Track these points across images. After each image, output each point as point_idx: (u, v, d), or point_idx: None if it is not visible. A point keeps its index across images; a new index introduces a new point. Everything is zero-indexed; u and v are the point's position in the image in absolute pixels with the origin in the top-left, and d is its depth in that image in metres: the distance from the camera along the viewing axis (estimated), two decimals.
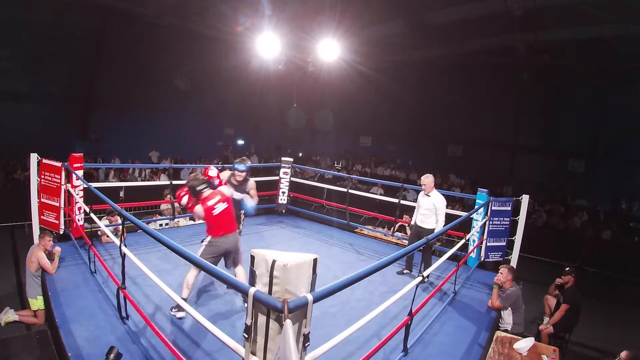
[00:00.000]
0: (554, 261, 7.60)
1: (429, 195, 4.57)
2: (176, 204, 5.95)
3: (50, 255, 4.09)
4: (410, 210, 6.88)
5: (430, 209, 4.53)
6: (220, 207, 3.44)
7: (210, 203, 3.41)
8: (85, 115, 11.88)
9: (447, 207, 4.68)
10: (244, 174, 3.98)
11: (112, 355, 2.36)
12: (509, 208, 5.19)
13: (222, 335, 2.01)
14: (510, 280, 4.04)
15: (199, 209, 3.42)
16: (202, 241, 3.46)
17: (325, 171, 12.06)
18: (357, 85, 13.73)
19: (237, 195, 3.89)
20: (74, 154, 4.76)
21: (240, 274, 3.52)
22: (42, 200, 4.74)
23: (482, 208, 5.03)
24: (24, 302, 4.23)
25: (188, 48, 13.02)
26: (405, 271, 4.94)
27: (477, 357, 3.23)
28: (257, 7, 9.37)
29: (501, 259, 5.21)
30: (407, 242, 6.42)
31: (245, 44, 10.15)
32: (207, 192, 3.46)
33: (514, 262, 5.05)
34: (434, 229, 4.46)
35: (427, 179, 4.59)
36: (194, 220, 6.59)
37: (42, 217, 4.76)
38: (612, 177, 11.34)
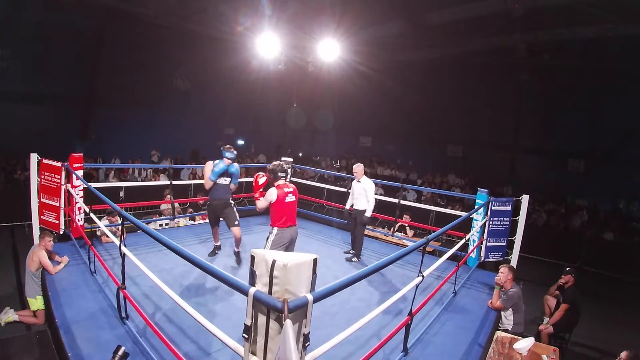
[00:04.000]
0: (554, 261, 7.60)
1: (359, 182, 5.16)
2: (176, 204, 5.98)
3: (51, 255, 4.10)
4: (410, 210, 6.91)
5: (361, 193, 5.14)
6: (291, 198, 3.77)
7: (286, 190, 3.75)
8: (85, 115, 11.88)
9: (447, 207, 4.73)
10: (231, 161, 4.55)
11: (119, 353, 2.34)
12: (509, 208, 5.19)
13: (222, 335, 2.01)
14: (510, 280, 4.04)
15: (272, 192, 3.68)
16: (267, 238, 3.78)
17: (325, 171, 12.07)
18: (357, 85, 13.72)
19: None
20: (74, 154, 4.76)
21: None
22: (42, 200, 4.74)
23: (482, 208, 5.03)
24: (24, 302, 4.23)
25: (188, 48, 13.01)
26: (352, 251, 5.42)
27: (477, 357, 3.22)
28: (257, 7, 9.37)
29: (501, 259, 5.21)
30: (408, 242, 6.46)
31: (245, 44, 10.15)
32: (282, 180, 3.79)
33: (514, 262, 5.05)
34: (365, 210, 5.07)
35: (358, 168, 5.22)
36: (194, 221, 6.61)
37: (42, 217, 4.76)
38: (612, 177, 11.33)
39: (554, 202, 11.11)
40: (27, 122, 10.11)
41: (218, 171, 4.41)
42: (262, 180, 3.86)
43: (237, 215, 4.64)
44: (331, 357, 2.89)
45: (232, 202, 4.66)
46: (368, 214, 5.07)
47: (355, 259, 5.31)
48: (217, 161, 4.49)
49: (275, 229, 3.73)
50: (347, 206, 5.46)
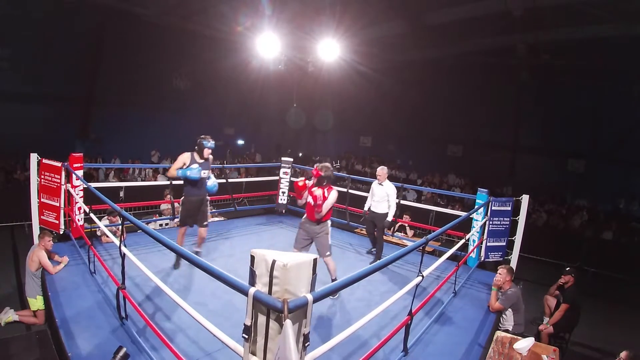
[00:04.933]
0: (554, 261, 7.60)
1: (382, 185, 5.13)
2: (176, 204, 5.97)
3: (51, 255, 4.10)
4: (410, 210, 6.91)
5: (383, 196, 5.11)
6: None
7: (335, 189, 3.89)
8: (85, 115, 11.87)
9: (447, 207, 4.73)
10: (211, 151, 4.36)
11: (120, 354, 2.35)
12: (509, 208, 5.19)
13: (222, 335, 2.01)
14: (509, 281, 4.03)
15: (335, 194, 3.83)
16: (325, 232, 3.93)
17: None
18: (357, 85, 13.72)
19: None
20: (74, 154, 4.76)
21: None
22: (42, 200, 4.74)
23: (482, 208, 5.03)
24: (24, 302, 4.22)
25: (188, 48, 13.01)
26: (373, 250, 5.51)
27: (477, 357, 3.22)
28: (257, 7, 9.38)
29: (501, 259, 5.21)
30: (408, 242, 6.45)
31: (245, 44, 10.16)
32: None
33: (514, 262, 5.05)
34: (385, 213, 5.09)
35: (382, 171, 5.16)
36: None
37: (42, 217, 4.76)
38: (612, 177, 11.33)
39: (554, 202, 11.11)
40: (27, 122, 10.10)
41: (189, 176, 4.12)
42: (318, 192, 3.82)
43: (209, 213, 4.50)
44: (331, 357, 2.89)
45: (208, 197, 4.47)
46: (389, 218, 5.09)
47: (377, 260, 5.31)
48: (193, 165, 4.18)
49: (329, 221, 3.98)
50: (366, 208, 5.44)
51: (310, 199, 3.82)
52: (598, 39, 9.21)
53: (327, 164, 3.95)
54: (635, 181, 10.86)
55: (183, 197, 4.37)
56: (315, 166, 3.89)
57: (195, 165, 4.18)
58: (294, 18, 9.73)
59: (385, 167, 5.29)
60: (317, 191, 3.76)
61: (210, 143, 4.34)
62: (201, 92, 14.32)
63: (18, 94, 10.30)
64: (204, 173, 4.30)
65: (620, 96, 10.97)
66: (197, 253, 4.38)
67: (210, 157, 4.45)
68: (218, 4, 10.27)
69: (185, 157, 4.25)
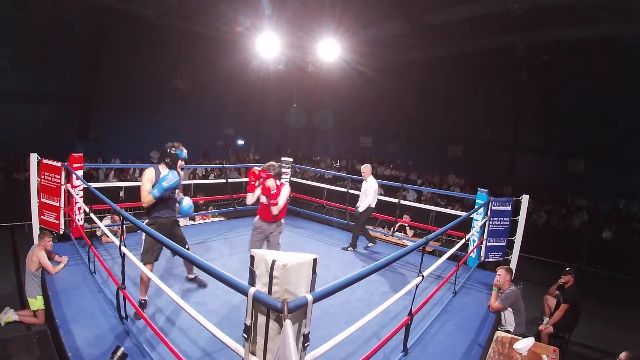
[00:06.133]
0: (554, 261, 7.59)
1: (366, 181, 5.43)
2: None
3: (50, 255, 4.10)
4: (410, 210, 6.91)
5: (363, 191, 5.46)
6: None
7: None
8: (85, 115, 11.89)
9: (447, 207, 4.73)
10: (184, 162, 3.52)
11: (117, 354, 2.36)
12: (509, 208, 5.19)
13: (222, 335, 2.01)
14: (508, 281, 4.03)
15: (288, 188, 3.89)
16: (279, 232, 3.93)
17: (325, 171, 12.07)
18: (357, 85, 13.73)
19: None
20: (74, 154, 4.76)
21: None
22: (42, 200, 4.74)
23: (482, 208, 5.03)
24: (24, 302, 4.22)
25: (188, 48, 13.02)
26: (349, 249, 5.65)
27: (477, 357, 3.22)
28: (257, 7, 9.39)
29: (501, 259, 5.21)
30: (408, 242, 6.45)
31: (245, 44, 10.17)
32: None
33: (514, 262, 5.05)
34: (367, 207, 5.40)
35: (366, 168, 5.51)
36: (194, 220, 6.61)
37: (42, 217, 4.76)
38: (612, 177, 11.33)
39: (554, 202, 11.11)
40: (27, 122, 10.11)
41: (168, 186, 3.25)
42: (262, 181, 3.82)
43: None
44: (331, 357, 2.89)
45: (178, 220, 3.72)
46: (360, 209, 5.42)
47: (350, 248, 5.62)
48: (165, 170, 3.32)
49: (283, 220, 3.99)
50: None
51: (263, 199, 3.86)
52: (598, 39, 9.23)
53: (272, 163, 3.98)
54: (635, 181, 10.86)
55: (147, 220, 3.43)
56: (261, 168, 3.86)
57: (170, 177, 3.27)
58: (294, 18, 9.74)
59: (369, 165, 5.59)
60: (269, 181, 3.76)
61: (184, 153, 3.44)
62: (201, 92, 14.34)
63: (18, 94, 10.31)
64: (173, 192, 3.46)
65: (620, 96, 10.97)
66: (196, 279, 4.00)
67: (182, 172, 3.57)
68: (218, 4, 10.29)
69: (149, 175, 3.32)
